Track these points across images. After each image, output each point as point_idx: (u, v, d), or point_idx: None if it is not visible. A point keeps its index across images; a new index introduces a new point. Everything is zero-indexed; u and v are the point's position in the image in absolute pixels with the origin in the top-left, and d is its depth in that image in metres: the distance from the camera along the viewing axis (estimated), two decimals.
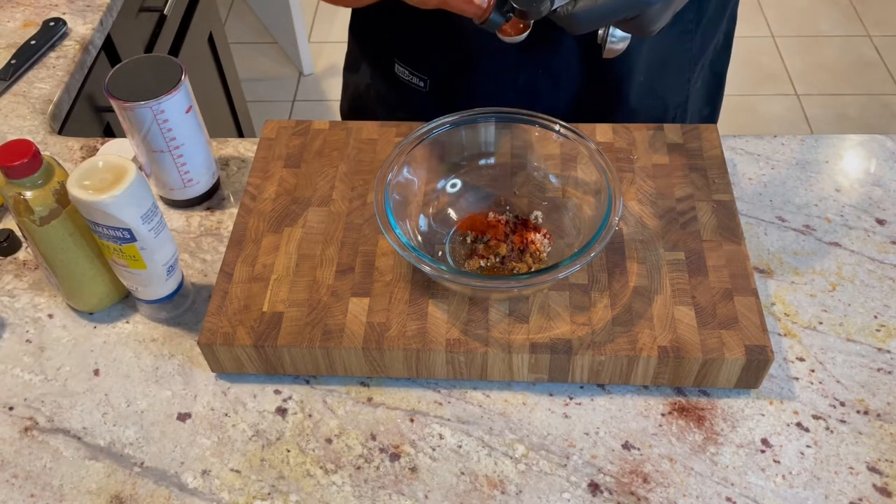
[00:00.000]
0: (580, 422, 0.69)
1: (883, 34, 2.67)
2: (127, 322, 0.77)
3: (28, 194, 0.67)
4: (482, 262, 0.75)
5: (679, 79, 0.94)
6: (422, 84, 0.93)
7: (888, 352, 0.73)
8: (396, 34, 0.93)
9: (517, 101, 0.85)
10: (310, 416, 0.70)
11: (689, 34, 0.90)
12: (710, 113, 1.03)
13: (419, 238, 0.76)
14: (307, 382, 0.73)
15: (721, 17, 0.92)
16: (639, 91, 0.91)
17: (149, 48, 1.41)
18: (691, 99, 0.97)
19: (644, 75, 0.91)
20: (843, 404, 0.69)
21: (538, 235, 0.77)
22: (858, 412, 0.69)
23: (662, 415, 0.69)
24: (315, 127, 0.88)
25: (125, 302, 0.79)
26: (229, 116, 1.84)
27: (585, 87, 0.90)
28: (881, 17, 2.73)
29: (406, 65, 0.93)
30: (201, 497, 0.66)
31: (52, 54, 1.08)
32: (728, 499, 0.64)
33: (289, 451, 0.68)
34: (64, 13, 1.14)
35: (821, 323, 0.75)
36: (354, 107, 1.06)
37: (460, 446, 0.68)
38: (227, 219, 0.85)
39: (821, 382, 0.71)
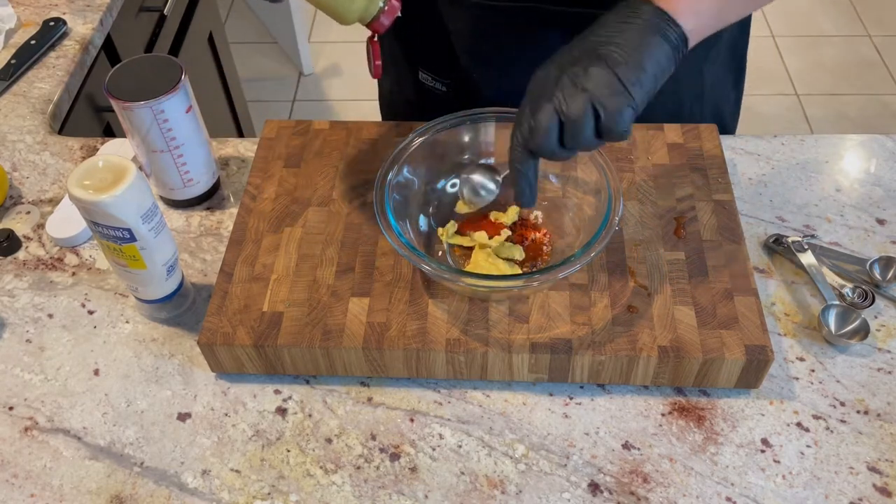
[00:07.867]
0: (580, 422, 0.69)
1: (883, 34, 2.66)
2: (127, 322, 0.77)
3: None
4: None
5: (690, 69, 0.87)
6: (444, 88, 0.93)
7: (888, 352, 0.73)
8: (420, 42, 0.93)
9: (508, 100, 0.84)
10: (310, 415, 0.70)
11: None
12: (737, 98, 0.99)
13: (419, 238, 0.76)
14: (307, 382, 0.73)
15: None
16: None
17: (149, 48, 1.41)
18: (707, 89, 0.92)
19: None
20: (843, 404, 0.69)
21: (538, 235, 0.77)
22: (858, 412, 0.69)
23: (662, 415, 0.69)
24: (315, 127, 0.88)
25: (125, 302, 0.79)
26: (229, 116, 1.84)
27: None
28: (881, 17, 2.72)
29: (429, 71, 0.94)
30: (201, 497, 0.66)
31: (52, 54, 1.08)
32: (728, 499, 0.64)
33: (289, 450, 0.68)
34: (64, 13, 1.14)
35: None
36: (388, 110, 1.09)
37: (460, 446, 0.68)
38: (227, 219, 0.85)
39: (821, 382, 0.71)
